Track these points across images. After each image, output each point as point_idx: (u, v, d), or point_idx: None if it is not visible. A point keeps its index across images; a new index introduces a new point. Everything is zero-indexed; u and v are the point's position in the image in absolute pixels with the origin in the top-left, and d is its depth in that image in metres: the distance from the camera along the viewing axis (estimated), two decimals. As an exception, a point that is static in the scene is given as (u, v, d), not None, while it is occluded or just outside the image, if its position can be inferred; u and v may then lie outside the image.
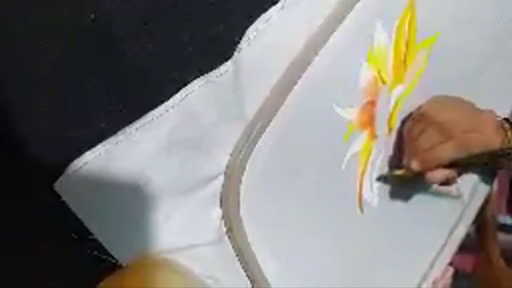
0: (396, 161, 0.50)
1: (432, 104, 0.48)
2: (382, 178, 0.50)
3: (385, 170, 0.50)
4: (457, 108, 0.47)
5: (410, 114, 0.49)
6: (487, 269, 0.68)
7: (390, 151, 0.50)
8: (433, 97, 0.49)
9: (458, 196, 0.58)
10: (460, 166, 0.46)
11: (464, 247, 0.63)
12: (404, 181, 0.50)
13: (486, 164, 0.51)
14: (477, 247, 0.70)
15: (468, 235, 0.64)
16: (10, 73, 0.28)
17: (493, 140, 0.44)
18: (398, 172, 0.48)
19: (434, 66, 0.48)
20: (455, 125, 0.45)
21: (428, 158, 0.45)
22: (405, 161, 0.47)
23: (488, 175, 0.61)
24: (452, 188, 0.51)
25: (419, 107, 0.48)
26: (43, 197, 0.30)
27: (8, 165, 0.29)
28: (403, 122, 0.49)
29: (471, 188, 0.61)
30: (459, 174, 0.48)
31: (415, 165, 0.46)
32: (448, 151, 0.44)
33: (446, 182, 0.47)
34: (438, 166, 0.45)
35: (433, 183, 0.47)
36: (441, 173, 0.45)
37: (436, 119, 0.45)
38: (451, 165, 0.45)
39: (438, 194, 0.55)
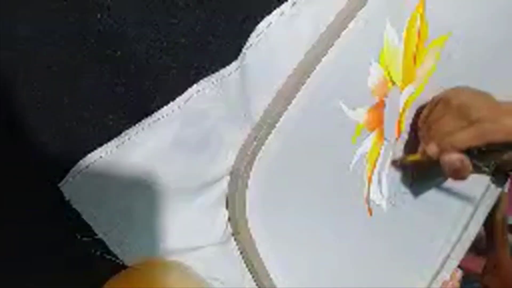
0: (411, 150, 0.49)
1: (454, 90, 0.47)
2: (395, 164, 0.49)
3: (394, 171, 0.49)
4: (477, 95, 0.45)
5: (425, 104, 0.48)
6: (497, 270, 0.67)
7: (400, 153, 0.49)
8: (453, 87, 0.47)
9: (469, 198, 0.57)
10: (476, 153, 0.44)
11: (474, 249, 0.62)
12: (415, 171, 0.49)
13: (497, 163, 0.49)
14: (487, 248, 0.69)
15: (478, 237, 0.63)
16: (17, 72, 0.28)
17: None
18: (413, 156, 0.47)
19: (445, 66, 0.48)
20: (476, 111, 0.43)
21: (446, 142, 0.44)
22: (421, 147, 0.46)
23: (500, 177, 0.60)
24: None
25: (438, 95, 0.47)
26: (48, 197, 0.30)
27: (13, 165, 0.29)
28: (419, 111, 0.48)
29: (483, 189, 0.60)
30: (474, 167, 0.46)
31: (432, 149, 0.44)
32: (467, 137, 0.43)
33: (458, 173, 0.45)
34: (455, 151, 0.44)
35: (448, 167, 0.44)
36: (458, 156, 0.44)
37: (456, 104, 0.44)
38: (467, 152, 0.44)
39: (448, 196, 0.54)
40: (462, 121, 0.44)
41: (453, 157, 0.44)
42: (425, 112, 0.47)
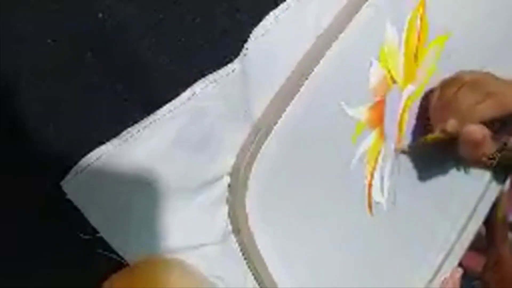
0: (423, 133, 0.48)
1: (459, 71, 0.46)
2: (406, 151, 0.48)
3: (395, 170, 0.49)
4: (483, 73, 0.45)
5: (429, 94, 0.47)
6: (498, 267, 0.67)
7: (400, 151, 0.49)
8: (459, 71, 0.47)
9: (469, 196, 0.57)
10: (498, 126, 0.44)
11: (474, 247, 0.62)
12: (428, 154, 0.48)
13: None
14: (487, 246, 0.70)
15: (478, 234, 0.63)
16: (18, 71, 0.28)
17: None
18: (431, 136, 0.45)
19: (445, 65, 0.48)
20: (490, 84, 0.43)
21: (466, 117, 0.43)
22: (438, 126, 0.44)
23: (500, 174, 0.60)
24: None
25: (443, 79, 0.46)
26: (49, 195, 0.30)
27: (15, 163, 0.29)
28: (427, 95, 0.47)
29: (483, 187, 0.60)
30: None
31: (452, 124, 0.43)
32: (487, 108, 0.42)
33: (479, 149, 0.43)
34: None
35: (470, 140, 0.43)
36: (479, 130, 0.42)
37: (467, 79, 0.44)
38: (488, 127, 0.43)
39: (448, 194, 0.54)
40: (479, 94, 0.43)
41: (474, 127, 0.42)
42: (435, 96, 0.46)
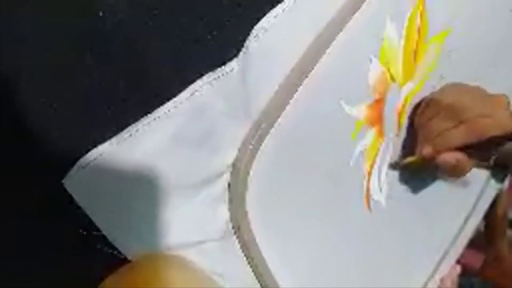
0: (408, 151, 0.49)
1: (443, 89, 0.47)
2: (393, 167, 0.49)
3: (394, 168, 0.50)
4: (468, 92, 0.46)
5: (420, 102, 0.48)
6: (498, 263, 0.68)
7: (400, 149, 0.50)
8: (445, 85, 0.48)
9: (468, 193, 0.58)
10: (473, 149, 0.44)
11: (473, 244, 0.63)
12: (415, 172, 0.49)
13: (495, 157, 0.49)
14: (486, 243, 0.70)
15: (477, 232, 0.63)
16: (19, 70, 0.28)
17: (507, 124, 0.43)
18: (410, 159, 0.48)
19: (445, 62, 0.48)
20: (467, 108, 0.44)
21: (440, 142, 0.44)
22: (418, 148, 0.46)
23: (499, 172, 0.60)
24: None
25: (429, 95, 0.47)
26: (51, 192, 0.31)
27: (17, 160, 0.30)
28: (414, 110, 0.48)
29: (482, 184, 0.61)
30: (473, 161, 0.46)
31: (426, 150, 0.45)
32: (460, 136, 0.43)
33: (456, 170, 0.45)
34: (449, 151, 0.44)
35: (445, 167, 0.45)
36: (452, 156, 0.44)
37: (446, 103, 0.45)
38: (463, 150, 0.44)
39: (447, 192, 0.54)
40: (453, 120, 0.44)
41: (448, 157, 0.44)
42: (418, 113, 0.48)
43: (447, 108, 0.44)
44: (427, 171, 0.51)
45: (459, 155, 0.44)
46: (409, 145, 0.49)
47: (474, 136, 0.43)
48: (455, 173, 0.45)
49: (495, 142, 0.43)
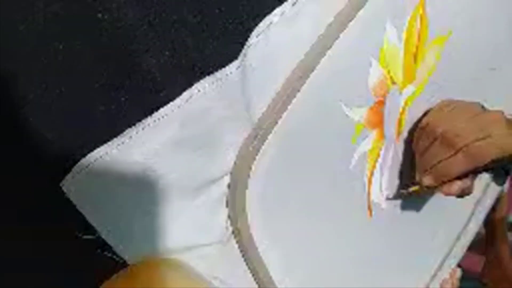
0: (407, 172, 0.49)
1: (435, 114, 0.47)
2: (397, 196, 0.50)
3: (394, 171, 0.49)
4: (461, 114, 0.45)
5: (417, 124, 0.48)
6: (497, 269, 0.68)
7: (400, 152, 0.49)
8: (437, 105, 0.47)
9: (469, 197, 0.57)
10: (477, 173, 0.45)
11: (473, 248, 0.62)
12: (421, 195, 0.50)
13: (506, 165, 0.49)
14: (487, 247, 0.70)
15: (478, 235, 0.63)
16: (18, 72, 0.28)
17: (505, 142, 0.42)
18: (413, 188, 0.48)
19: (445, 65, 0.48)
20: (462, 135, 0.43)
21: (439, 173, 0.44)
22: (417, 177, 0.46)
23: (500, 175, 0.60)
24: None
25: (424, 115, 0.47)
26: (49, 195, 0.30)
27: (15, 164, 0.29)
28: (411, 132, 0.49)
29: (483, 188, 0.60)
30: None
31: (427, 181, 0.45)
32: (459, 165, 0.43)
33: (462, 194, 0.45)
34: (451, 179, 0.44)
35: (450, 195, 0.45)
36: (457, 186, 0.44)
37: (440, 131, 0.44)
38: (464, 175, 0.44)
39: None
40: (449, 149, 0.43)
41: (453, 189, 0.44)
42: (415, 141, 0.47)
43: (441, 136, 0.44)
44: None
45: (462, 184, 0.44)
46: (409, 169, 0.49)
47: (473, 163, 0.43)
48: (461, 196, 0.45)
49: (496, 162, 0.43)
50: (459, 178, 0.44)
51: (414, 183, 0.47)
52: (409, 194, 0.49)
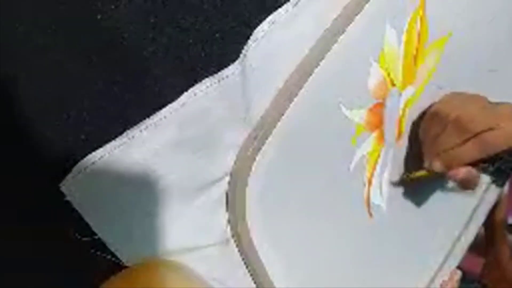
0: (412, 163, 0.49)
1: (446, 101, 0.47)
2: (399, 181, 0.49)
3: (395, 173, 0.49)
4: (472, 103, 0.45)
5: (423, 114, 0.48)
6: (497, 270, 0.67)
7: (401, 154, 0.49)
8: (446, 95, 0.48)
9: (469, 198, 0.57)
10: (486, 163, 0.44)
11: (473, 249, 0.62)
12: (419, 182, 0.49)
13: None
14: (486, 248, 0.69)
15: (477, 237, 0.63)
16: (18, 72, 0.28)
17: None
18: (419, 173, 0.48)
19: (445, 66, 0.48)
20: (474, 121, 0.43)
21: (451, 159, 0.44)
22: (426, 163, 0.46)
23: (500, 176, 0.60)
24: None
25: (432, 105, 0.47)
26: (49, 197, 0.30)
27: (14, 164, 0.29)
28: (417, 122, 0.48)
29: (483, 189, 0.60)
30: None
31: (437, 167, 0.45)
32: (470, 152, 0.43)
33: (468, 184, 0.45)
34: (460, 166, 0.44)
35: (456, 180, 0.45)
36: (465, 171, 0.44)
37: (452, 117, 0.44)
38: (473, 164, 0.44)
39: (448, 196, 0.54)
40: (462, 135, 0.43)
41: (460, 172, 0.44)
42: (423, 126, 0.47)
43: (453, 122, 0.44)
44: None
45: (470, 171, 0.44)
46: (413, 158, 0.49)
47: (484, 152, 0.43)
48: (465, 187, 0.45)
49: (505, 153, 0.43)
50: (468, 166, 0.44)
51: (419, 169, 0.47)
52: (410, 181, 0.49)
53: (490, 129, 0.42)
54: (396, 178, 0.50)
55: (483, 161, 0.44)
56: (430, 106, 0.48)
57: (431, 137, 0.46)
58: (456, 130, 0.44)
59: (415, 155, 0.49)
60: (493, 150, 0.43)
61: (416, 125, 0.49)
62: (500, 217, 0.66)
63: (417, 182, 0.50)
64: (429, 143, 0.46)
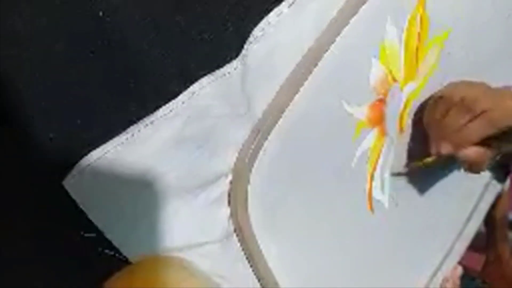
0: (416, 154, 0.49)
1: (450, 86, 0.47)
2: (403, 173, 0.49)
3: (397, 168, 0.49)
4: (475, 86, 0.46)
5: (426, 102, 0.48)
6: (497, 268, 0.67)
7: (403, 150, 0.49)
8: (449, 83, 0.48)
9: (469, 195, 0.58)
10: (492, 142, 0.44)
11: (474, 246, 0.62)
12: (424, 172, 0.49)
13: None
14: (487, 246, 0.70)
15: (478, 234, 0.63)
16: (19, 70, 0.28)
17: None
18: (428, 159, 0.48)
19: (445, 63, 0.48)
20: (479, 100, 0.43)
21: (459, 139, 0.44)
22: (433, 147, 0.46)
23: (501, 172, 0.60)
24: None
25: (436, 93, 0.47)
26: (52, 194, 0.30)
27: (18, 162, 0.29)
28: (420, 110, 0.48)
29: (483, 186, 0.60)
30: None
31: (445, 148, 0.45)
32: (477, 129, 0.43)
33: (476, 165, 0.45)
34: (468, 145, 0.44)
35: (465, 160, 0.45)
36: (474, 151, 0.44)
37: (457, 98, 0.44)
38: (481, 144, 0.44)
39: (449, 193, 0.54)
40: (468, 114, 0.43)
41: (468, 152, 0.44)
42: (427, 112, 0.47)
43: (459, 102, 0.44)
44: (431, 171, 0.51)
45: (480, 149, 0.44)
46: (417, 149, 0.49)
47: (492, 128, 0.43)
48: (474, 167, 0.45)
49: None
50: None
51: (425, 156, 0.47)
52: (418, 168, 0.49)
53: (497, 106, 0.43)
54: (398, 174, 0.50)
55: (490, 139, 0.43)
56: (430, 97, 0.48)
57: (437, 121, 0.46)
58: (462, 111, 0.44)
59: (419, 146, 0.48)
60: (500, 126, 0.42)
61: (419, 114, 0.48)
62: (501, 214, 0.66)
63: (422, 171, 0.49)
64: (435, 127, 0.46)
